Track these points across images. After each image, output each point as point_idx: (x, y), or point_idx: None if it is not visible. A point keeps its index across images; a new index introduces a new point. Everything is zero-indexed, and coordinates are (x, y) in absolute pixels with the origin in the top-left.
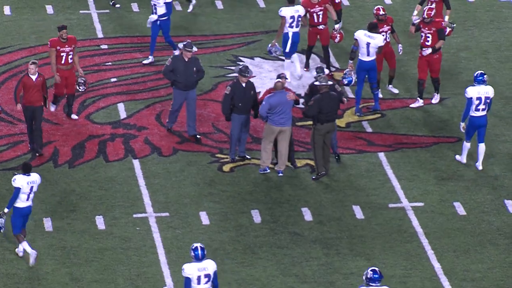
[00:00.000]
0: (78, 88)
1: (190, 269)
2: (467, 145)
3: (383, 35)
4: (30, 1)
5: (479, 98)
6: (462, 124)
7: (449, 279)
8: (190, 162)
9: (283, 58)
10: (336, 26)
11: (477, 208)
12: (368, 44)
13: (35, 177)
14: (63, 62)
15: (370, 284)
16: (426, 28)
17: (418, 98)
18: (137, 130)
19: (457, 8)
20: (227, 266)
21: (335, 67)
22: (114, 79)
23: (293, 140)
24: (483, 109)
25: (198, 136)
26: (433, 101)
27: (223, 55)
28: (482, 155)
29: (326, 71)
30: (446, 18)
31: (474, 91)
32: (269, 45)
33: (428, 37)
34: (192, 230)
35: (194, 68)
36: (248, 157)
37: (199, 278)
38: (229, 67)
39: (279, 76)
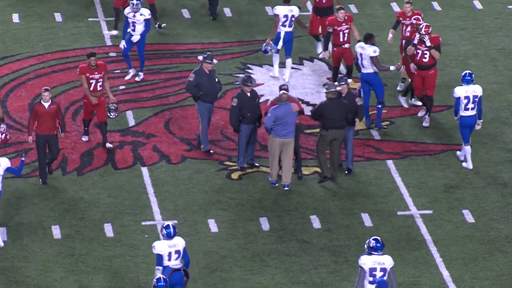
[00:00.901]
0: (109, 114)
1: (161, 246)
2: (467, 148)
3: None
4: (39, 9)
5: (467, 97)
6: (456, 118)
7: (458, 286)
8: (199, 169)
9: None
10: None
11: (486, 216)
12: (361, 55)
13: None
14: (91, 89)
15: (372, 253)
16: (423, 46)
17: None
18: (145, 137)
19: (465, 16)
20: (235, 274)
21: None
22: (123, 87)
23: (299, 149)
24: (472, 108)
25: (211, 152)
26: (424, 124)
27: (232, 63)
28: (469, 154)
29: (350, 80)
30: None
31: (462, 91)
32: (264, 44)
33: (426, 54)
34: (201, 238)
35: (216, 79)
36: (257, 164)
37: (170, 254)
38: (237, 75)
39: (281, 88)
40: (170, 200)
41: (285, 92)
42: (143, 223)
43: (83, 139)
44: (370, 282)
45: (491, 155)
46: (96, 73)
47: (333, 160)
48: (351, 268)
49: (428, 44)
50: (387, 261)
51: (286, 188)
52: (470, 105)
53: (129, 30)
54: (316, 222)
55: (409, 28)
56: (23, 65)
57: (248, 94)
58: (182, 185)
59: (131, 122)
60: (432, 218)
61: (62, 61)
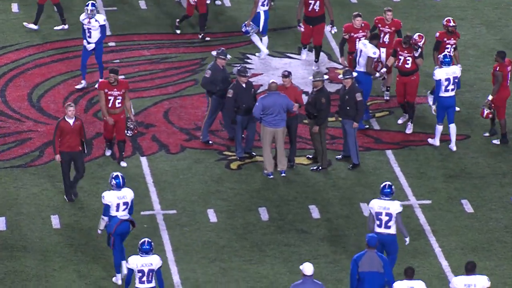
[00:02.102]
0: (126, 133)
1: (110, 197)
2: (439, 127)
3: (447, 48)
4: None
5: (447, 79)
6: (433, 107)
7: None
8: (198, 159)
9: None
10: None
11: (485, 206)
12: (360, 51)
13: None
14: (110, 105)
15: (381, 197)
16: (406, 51)
17: (409, 123)
18: (144, 127)
19: (465, 6)
20: (234, 264)
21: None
22: (122, 77)
23: (295, 139)
24: (452, 89)
25: (210, 142)
26: (407, 131)
27: (231, 53)
28: (454, 135)
29: (355, 74)
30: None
31: (442, 73)
32: (244, 25)
33: (408, 60)
34: (200, 228)
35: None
36: (254, 154)
37: (118, 205)
38: (236, 65)
39: (283, 74)
40: (169, 190)
41: (273, 81)
42: (142, 213)
43: (107, 153)
44: (378, 226)
45: (490, 145)
46: (115, 89)
47: (320, 148)
48: (350, 258)
49: (417, 54)
50: (393, 206)
51: (283, 175)
52: (450, 87)
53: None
54: (315, 212)
55: (387, 36)
56: (22, 55)
57: (244, 85)
58: (181, 175)
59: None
60: (431, 208)
61: (61, 51)
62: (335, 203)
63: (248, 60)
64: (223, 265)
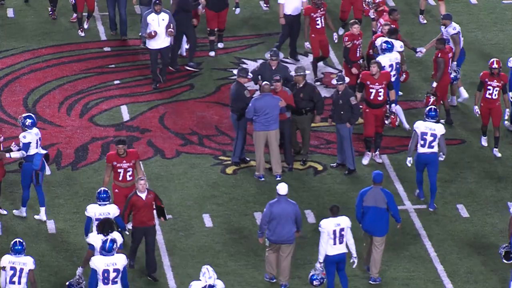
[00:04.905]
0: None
1: (30, 137)
2: (399, 108)
3: (489, 89)
4: (33, 3)
5: (391, 66)
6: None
7: (452, 281)
8: (193, 164)
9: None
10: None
11: (480, 211)
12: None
13: None
14: (120, 178)
15: (426, 119)
16: (377, 83)
17: (368, 152)
18: (140, 132)
19: (460, 10)
20: (230, 268)
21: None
22: (117, 81)
23: (294, 141)
24: (393, 75)
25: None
26: (378, 160)
27: (226, 58)
28: (402, 114)
29: (347, 79)
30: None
31: (386, 59)
32: None
33: (380, 92)
34: (195, 233)
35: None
36: (248, 159)
37: (37, 142)
38: (232, 70)
39: (275, 78)
40: (164, 195)
41: (266, 83)
42: None
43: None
44: (422, 145)
45: (485, 149)
46: (124, 161)
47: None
48: (346, 263)
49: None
50: (438, 127)
51: (278, 178)
52: (392, 72)
53: None
54: (310, 217)
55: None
56: (18, 60)
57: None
58: (176, 180)
59: (126, 117)
60: (427, 212)
61: (57, 56)
62: None
63: (243, 65)
64: (218, 269)
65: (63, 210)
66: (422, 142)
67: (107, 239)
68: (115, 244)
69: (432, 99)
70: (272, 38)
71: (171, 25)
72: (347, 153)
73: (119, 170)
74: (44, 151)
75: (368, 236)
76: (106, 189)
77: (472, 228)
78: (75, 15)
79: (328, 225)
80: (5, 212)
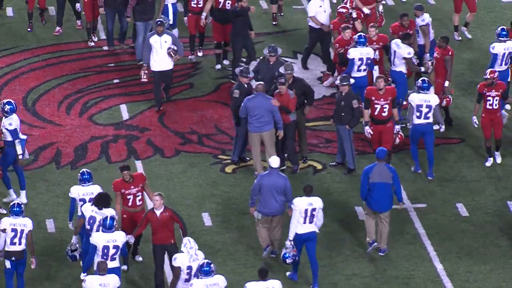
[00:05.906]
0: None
1: (15, 122)
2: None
3: (488, 100)
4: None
5: (361, 59)
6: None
7: (452, 280)
8: (193, 163)
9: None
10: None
11: (480, 210)
12: (394, 52)
13: None
14: (130, 204)
15: (420, 91)
16: (382, 99)
17: None
18: (139, 131)
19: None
20: (229, 268)
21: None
22: (117, 80)
23: (293, 144)
24: (364, 70)
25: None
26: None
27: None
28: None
29: (352, 80)
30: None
31: (357, 53)
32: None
33: (385, 108)
34: (195, 231)
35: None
36: (248, 158)
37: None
38: (229, 69)
39: (280, 81)
40: (164, 194)
41: (260, 83)
42: None
43: (130, 240)
44: (418, 117)
45: (485, 149)
46: (132, 187)
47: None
48: (345, 262)
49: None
50: (432, 98)
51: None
52: (363, 67)
53: None
54: None
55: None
56: (17, 59)
57: (246, 86)
58: (176, 179)
59: (125, 116)
60: (426, 211)
61: (56, 55)
62: (330, 206)
63: (241, 64)
64: (218, 268)
65: (63, 209)
66: (418, 114)
67: (107, 216)
68: (115, 221)
69: (450, 98)
70: (271, 36)
71: (174, 46)
72: (347, 153)
73: (128, 197)
74: (24, 136)
75: (373, 212)
76: (89, 171)
77: (471, 227)
78: (79, 22)
79: (301, 203)
80: (5, 212)
